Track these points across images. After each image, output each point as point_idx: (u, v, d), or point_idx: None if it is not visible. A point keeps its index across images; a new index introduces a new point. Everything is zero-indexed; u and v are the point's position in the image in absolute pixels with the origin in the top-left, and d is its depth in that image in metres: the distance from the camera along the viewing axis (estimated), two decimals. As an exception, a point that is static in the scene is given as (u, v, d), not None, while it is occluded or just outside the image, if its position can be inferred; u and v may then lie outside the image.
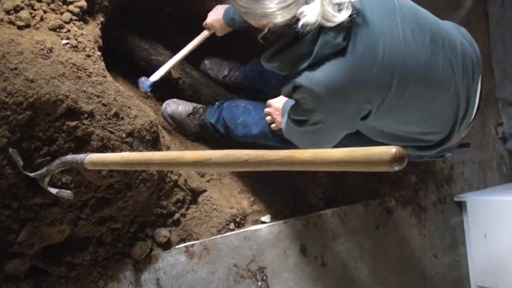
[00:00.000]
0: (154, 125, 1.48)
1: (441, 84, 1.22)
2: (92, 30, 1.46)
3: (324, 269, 1.87)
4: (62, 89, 1.21)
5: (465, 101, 1.30)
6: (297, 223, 1.83)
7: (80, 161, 1.11)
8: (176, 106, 1.83)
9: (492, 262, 2.24)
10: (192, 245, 1.59)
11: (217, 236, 1.65)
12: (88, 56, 1.37)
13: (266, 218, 1.79)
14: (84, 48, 1.37)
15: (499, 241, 2.21)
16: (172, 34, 1.93)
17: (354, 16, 1.07)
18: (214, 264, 1.62)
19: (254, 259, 1.71)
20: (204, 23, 1.71)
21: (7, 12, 1.27)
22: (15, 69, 1.16)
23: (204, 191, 1.70)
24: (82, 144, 1.27)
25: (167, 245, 1.56)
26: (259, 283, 1.70)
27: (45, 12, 1.34)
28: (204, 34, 1.72)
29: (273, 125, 1.54)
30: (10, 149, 1.15)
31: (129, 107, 1.40)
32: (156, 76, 1.69)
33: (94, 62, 1.37)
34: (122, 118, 1.36)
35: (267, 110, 1.54)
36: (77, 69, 1.30)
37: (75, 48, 1.35)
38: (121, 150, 1.34)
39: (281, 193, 1.90)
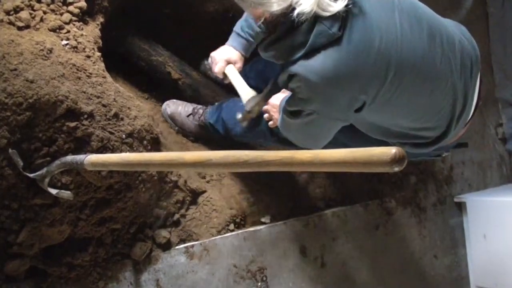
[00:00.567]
0: (153, 126, 1.48)
1: (438, 79, 1.22)
2: (92, 31, 1.46)
3: (324, 270, 1.87)
4: (62, 89, 1.21)
5: (462, 97, 1.30)
6: (297, 223, 1.82)
7: (80, 161, 1.11)
8: (176, 107, 1.83)
9: (492, 262, 2.24)
10: (192, 246, 1.59)
11: (217, 237, 1.65)
12: (88, 56, 1.37)
13: (266, 218, 1.79)
14: (84, 48, 1.37)
15: (498, 242, 2.21)
16: (172, 35, 1.93)
17: (350, 6, 1.07)
18: (214, 265, 1.62)
19: (254, 259, 1.70)
20: (218, 66, 1.58)
21: (7, 13, 1.27)
22: (15, 69, 1.16)
23: (204, 191, 1.70)
24: (82, 144, 1.27)
25: (167, 246, 1.56)
26: (259, 284, 1.70)
27: (45, 12, 1.34)
28: (231, 67, 1.59)
29: (270, 123, 1.54)
30: (10, 150, 1.16)
31: (129, 108, 1.40)
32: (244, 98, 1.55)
33: (94, 62, 1.37)
34: (122, 119, 1.36)
35: (265, 107, 1.54)
36: (77, 69, 1.30)
37: (75, 49, 1.35)
38: (121, 151, 1.34)
39: (281, 193, 1.90)
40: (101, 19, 1.53)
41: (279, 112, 1.42)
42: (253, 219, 1.78)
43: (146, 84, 1.88)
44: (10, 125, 1.15)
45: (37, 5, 1.33)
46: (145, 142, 1.44)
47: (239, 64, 1.62)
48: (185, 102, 1.84)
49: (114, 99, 1.35)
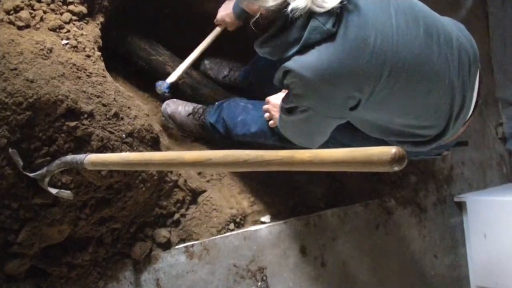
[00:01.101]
0: (153, 125, 1.48)
1: (435, 77, 1.21)
2: (92, 30, 1.46)
3: (324, 269, 1.87)
4: (62, 89, 1.22)
5: (460, 96, 1.29)
6: (297, 223, 1.82)
7: (80, 161, 1.11)
8: (176, 106, 1.83)
9: (492, 262, 2.24)
10: (192, 246, 1.59)
11: (217, 237, 1.65)
12: (88, 56, 1.37)
13: (266, 218, 1.79)
14: (84, 48, 1.37)
15: (499, 241, 2.21)
16: (172, 34, 1.93)
17: (345, 2, 1.08)
18: (214, 265, 1.62)
19: (254, 259, 1.70)
20: (215, 20, 1.71)
21: (7, 12, 1.27)
22: (15, 69, 1.16)
23: (204, 191, 1.70)
24: (82, 144, 1.27)
25: (167, 246, 1.56)
26: (259, 283, 1.70)
27: (45, 12, 1.35)
28: (216, 31, 1.73)
29: (271, 122, 1.54)
30: (10, 150, 1.16)
31: (129, 108, 1.40)
32: (172, 77, 1.72)
33: (94, 62, 1.37)
34: (122, 119, 1.36)
35: (265, 106, 1.54)
36: (77, 69, 1.30)
37: (75, 49, 1.35)
38: (121, 151, 1.34)
39: (281, 193, 1.90)
40: (101, 19, 1.53)
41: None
42: (253, 219, 1.78)
43: (146, 84, 1.88)
44: (10, 125, 1.15)
45: (37, 5, 1.33)
46: (145, 141, 1.44)
47: (231, 27, 1.71)
48: (185, 102, 1.84)
49: (114, 98, 1.35)
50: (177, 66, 1.83)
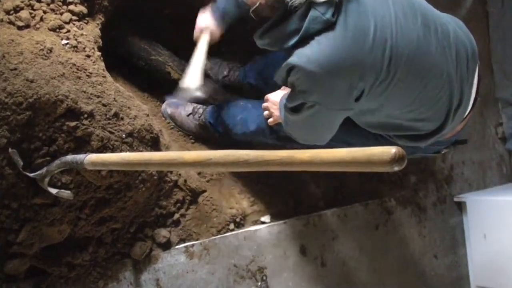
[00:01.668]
0: (153, 125, 1.48)
1: (434, 69, 1.22)
2: (92, 30, 1.46)
3: (324, 269, 1.87)
4: (62, 89, 1.22)
5: (458, 90, 1.30)
6: (297, 223, 1.82)
7: (80, 161, 1.11)
8: (176, 106, 1.83)
9: (492, 262, 2.24)
10: (192, 245, 1.59)
11: (217, 236, 1.65)
12: (88, 56, 1.37)
13: (266, 218, 1.79)
14: (84, 48, 1.37)
15: (499, 241, 2.21)
16: (172, 35, 1.93)
17: None
18: (214, 265, 1.62)
19: (254, 259, 1.70)
20: (194, 33, 1.60)
21: (7, 12, 1.27)
22: (15, 69, 1.16)
23: (204, 191, 1.70)
24: (82, 144, 1.27)
25: (167, 246, 1.56)
26: (259, 283, 1.70)
27: (45, 12, 1.34)
28: (205, 38, 1.59)
29: (270, 120, 1.53)
30: (10, 150, 1.16)
31: (129, 108, 1.40)
32: (187, 83, 1.55)
33: (94, 62, 1.37)
34: (122, 119, 1.36)
35: (264, 104, 1.54)
36: (77, 69, 1.30)
37: (75, 48, 1.35)
38: (121, 151, 1.34)
39: (281, 193, 1.90)
40: (101, 19, 1.53)
41: (280, 110, 1.42)
42: (253, 219, 1.78)
43: (146, 84, 1.88)
44: (10, 125, 1.15)
45: (37, 5, 1.33)
46: (145, 141, 1.44)
47: (216, 34, 1.60)
48: (185, 102, 1.84)
49: (114, 98, 1.35)
50: (177, 66, 1.83)
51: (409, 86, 1.21)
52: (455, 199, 2.39)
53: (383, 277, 2.06)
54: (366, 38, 1.10)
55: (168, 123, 1.85)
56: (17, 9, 1.28)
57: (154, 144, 1.50)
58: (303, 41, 1.12)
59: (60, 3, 1.38)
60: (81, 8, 1.43)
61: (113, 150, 1.32)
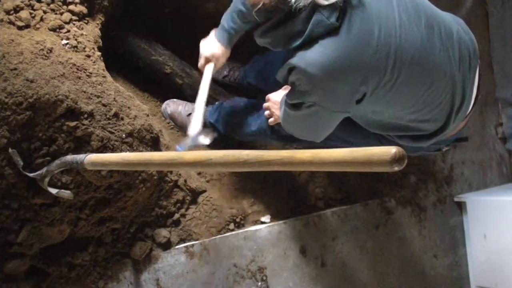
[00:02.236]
0: (153, 125, 1.48)
1: (437, 70, 1.22)
2: (92, 30, 1.46)
3: (324, 269, 1.87)
4: (62, 89, 1.22)
5: (461, 89, 1.30)
6: (297, 223, 1.82)
7: (80, 161, 1.11)
8: (176, 106, 1.83)
9: (492, 262, 2.24)
10: (192, 245, 1.59)
11: (217, 236, 1.65)
12: (88, 56, 1.37)
13: (266, 218, 1.79)
14: (84, 48, 1.37)
15: (499, 241, 2.21)
16: (172, 34, 1.93)
17: None
18: (214, 265, 1.62)
19: (254, 259, 1.70)
20: (200, 63, 1.58)
21: (7, 12, 1.27)
22: (15, 69, 1.16)
23: (204, 191, 1.70)
24: (82, 144, 1.27)
25: (167, 246, 1.56)
26: (259, 283, 1.70)
27: (45, 12, 1.35)
28: (211, 68, 1.57)
29: (270, 120, 1.53)
30: (10, 150, 1.16)
31: (129, 108, 1.40)
32: (196, 126, 1.51)
33: (94, 62, 1.37)
34: (122, 119, 1.36)
35: (265, 104, 1.54)
36: (77, 69, 1.30)
37: (75, 48, 1.35)
38: (121, 150, 1.34)
39: (281, 193, 1.90)
40: (101, 19, 1.53)
41: (281, 107, 1.42)
42: (253, 219, 1.78)
43: (146, 84, 1.88)
44: (10, 125, 1.15)
45: (37, 5, 1.33)
46: (145, 141, 1.44)
47: (223, 59, 1.59)
48: (185, 102, 1.84)
49: (114, 98, 1.35)
50: (177, 66, 1.83)
51: (412, 88, 1.21)
52: (455, 199, 2.39)
53: (383, 277, 2.06)
54: (370, 42, 1.10)
55: (168, 123, 1.85)
56: (17, 9, 1.28)
57: (154, 144, 1.50)
58: (306, 44, 1.11)
59: (60, 3, 1.38)
60: (81, 8, 1.43)
61: (113, 150, 1.32)
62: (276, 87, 1.50)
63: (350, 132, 1.41)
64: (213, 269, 1.62)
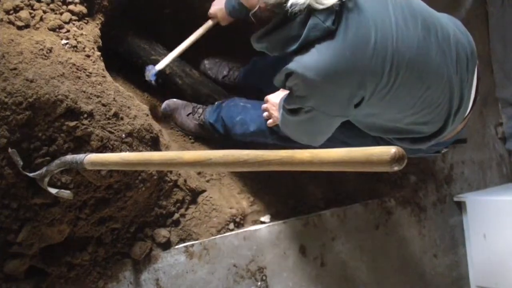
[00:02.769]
0: (153, 125, 1.48)
1: (434, 72, 1.22)
2: (91, 30, 1.46)
3: (324, 269, 1.87)
4: (61, 89, 1.22)
5: (458, 92, 1.29)
6: (297, 223, 1.82)
7: (80, 161, 1.11)
8: (176, 106, 1.83)
9: (492, 262, 2.24)
10: (192, 245, 1.59)
11: (216, 236, 1.65)
12: (88, 56, 1.37)
13: (265, 218, 1.79)
14: (83, 48, 1.37)
15: (498, 241, 2.21)
16: (172, 34, 1.93)
17: (344, 0, 1.07)
18: (213, 264, 1.62)
19: (254, 259, 1.70)
20: (208, 12, 1.71)
21: (7, 12, 1.27)
22: (15, 69, 1.16)
23: (204, 191, 1.70)
24: (82, 144, 1.27)
25: (166, 245, 1.56)
26: (259, 283, 1.70)
27: (44, 12, 1.35)
28: (208, 24, 1.73)
29: (269, 121, 1.53)
30: (10, 149, 1.16)
31: (128, 107, 1.40)
32: (161, 65, 1.71)
33: (93, 62, 1.37)
34: (122, 118, 1.36)
35: (264, 106, 1.54)
36: (77, 69, 1.30)
37: (75, 48, 1.35)
38: (121, 150, 1.34)
39: (281, 193, 1.90)
40: (101, 19, 1.53)
41: (279, 110, 1.42)
42: (253, 219, 1.78)
43: (146, 84, 1.87)
44: (10, 125, 1.15)
45: (36, 5, 1.33)
46: (144, 141, 1.44)
47: (223, 22, 1.70)
48: (185, 102, 1.84)
49: (114, 98, 1.35)
50: (177, 66, 1.83)
51: (410, 91, 1.21)
52: (455, 199, 2.39)
53: (383, 277, 2.06)
54: (367, 46, 1.10)
55: (168, 122, 1.85)
56: (17, 9, 1.28)
57: (154, 144, 1.50)
58: (303, 48, 1.11)
59: (59, 3, 1.38)
60: (80, 8, 1.43)
61: (113, 150, 1.32)
62: (276, 87, 1.50)
63: (348, 134, 1.42)
64: (213, 269, 1.62)
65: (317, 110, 1.19)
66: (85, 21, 1.45)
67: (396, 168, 0.64)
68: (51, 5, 1.36)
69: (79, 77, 1.29)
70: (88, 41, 1.41)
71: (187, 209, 1.64)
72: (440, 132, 1.34)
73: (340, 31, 1.09)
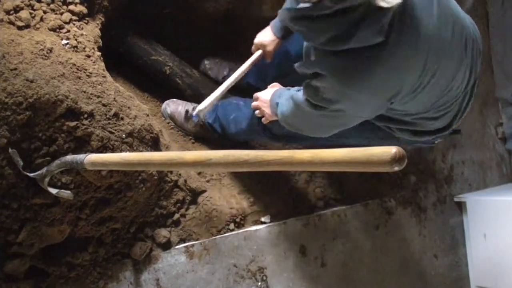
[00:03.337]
0: (153, 125, 1.48)
1: (458, 75, 1.20)
2: (92, 30, 1.46)
3: (324, 269, 1.87)
4: (61, 89, 1.22)
5: (470, 90, 1.29)
6: (297, 223, 1.82)
7: (80, 161, 1.11)
8: (176, 106, 1.83)
9: (492, 262, 2.24)
10: (192, 245, 1.59)
11: (216, 237, 1.65)
12: (88, 56, 1.37)
13: (266, 218, 1.79)
14: (84, 48, 1.37)
15: (499, 241, 2.21)
16: (172, 34, 1.93)
17: (401, 7, 0.96)
18: (213, 265, 1.62)
19: (254, 259, 1.70)
20: (253, 46, 1.60)
21: (7, 12, 1.27)
22: (15, 69, 1.16)
23: (204, 191, 1.70)
24: (82, 144, 1.27)
25: (167, 246, 1.56)
26: (259, 283, 1.70)
27: (45, 12, 1.34)
28: (257, 54, 1.60)
29: (263, 119, 1.50)
30: (10, 150, 1.16)
31: (129, 108, 1.40)
32: (203, 104, 1.51)
33: (94, 62, 1.37)
34: (122, 119, 1.36)
35: (254, 103, 1.49)
36: (77, 69, 1.30)
37: (75, 49, 1.35)
38: (121, 150, 1.34)
39: (281, 193, 1.90)
40: (101, 19, 1.53)
41: (271, 107, 1.39)
42: (253, 219, 1.78)
43: (146, 84, 1.88)
44: (10, 125, 1.15)
45: (37, 5, 1.33)
46: (145, 141, 1.44)
47: (270, 47, 1.56)
48: (185, 102, 1.84)
49: (114, 98, 1.35)
50: (177, 66, 1.83)
51: (434, 94, 1.19)
52: (455, 199, 2.39)
53: (383, 277, 2.06)
54: (416, 63, 1.04)
55: (168, 123, 1.85)
56: (17, 9, 1.28)
57: (154, 144, 1.50)
58: (347, 52, 1.00)
59: (60, 3, 1.38)
60: (81, 8, 1.43)
61: (113, 150, 1.32)
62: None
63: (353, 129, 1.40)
64: (213, 269, 1.62)
65: (344, 112, 1.13)
66: (85, 21, 1.45)
67: (396, 168, 0.64)
68: (52, 5, 1.36)
69: (79, 77, 1.29)
70: (88, 41, 1.41)
71: (187, 209, 1.64)
72: (446, 128, 1.34)
73: (391, 43, 0.98)
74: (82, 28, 1.42)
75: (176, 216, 1.61)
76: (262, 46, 1.57)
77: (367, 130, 1.41)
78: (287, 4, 1.34)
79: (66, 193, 1.22)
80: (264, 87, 1.78)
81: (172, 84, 1.85)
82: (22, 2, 1.30)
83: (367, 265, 2.01)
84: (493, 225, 2.23)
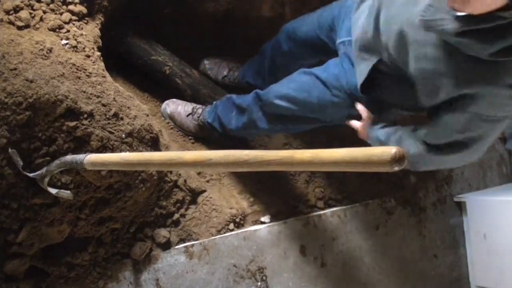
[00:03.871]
0: (153, 125, 1.48)
1: None
2: (91, 30, 1.46)
3: (324, 269, 1.87)
4: (61, 89, 1.21)
5: None
6: (297, 223, 1.82)
7: (80, 161, 1.11)
8: (176, 106, 1.83)
9: (491, 262, 2.24)
10: (192, 246, 1.59)
11: (216, 237, 1.65)
12: (88, 56, 1.37)
13: (265, 218, 1.79)
14: (83, 48, 1.37)
15: (498, 241, 2.21)
16: (172, 34, 1.93)
17: None
18: (213, 265, 1.62)
19: (254, 259, 1.70)
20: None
21: (7, 12, 1.27)
22: (15, 69, 1.16)
23: (204, 191, 1.70)
24: (82, 144, 1.27)
25: (166, 246, 1.56)
26: (259, 284, 1.70)
27: (44, 12, 1.34)
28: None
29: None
30: (10, 150, 1.16)
31: (128, 108, 1.40)
32: None
33: (93, 62, 1.37)
34: (122, 119, 1.36)
35: (361, 135, 1.44)
36: (77, 69, 1.30)
37: (75, 49, 1.35)
38: (121, 150, 1.34)
39: (281, 193, 1.90)
40: (101, 19, 1.53)
41: (370, 138, 1.38)
42: (253, 219, 1.78)
43: (146, 84, 1.88)
44: (10, 125, 1.15)
45: (37, 5, 1.33)
46: (144, 141, 1.44)
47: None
48: (185, 102, 1.84)
49: (114, 98, 1.35)
50: (176, 66, 1.83)
51: None
52: (455, 199, 2.39)
53: (383, 277, 2.06)
54: None
55: (168, 123, 1.85)
56: (17, 9, 1.28)
57: (154, 144, 1.50)
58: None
59: (59, 3, 1.38)
60: (80, 8, 1.43)
61: (113, 150, 1.32)
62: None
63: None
64: (213, 269, 1.62)
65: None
66: (85, 21, 1.45)
67: (396, 168, 0.64)
68: (51, 5, 1.36)
69: (79, 77, 1.29)
70: (88, 41, 1.40)
71: (187, 209, 1.64)
72: None
73: None
74: (82, 28, 1.42)
75: (176, 216, 1.61)
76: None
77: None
78: (433, 16, 1.04)
79: (66, 193, 1.22)
80: (263, 85, 1.78)
81: (172, 84, 1.85)
82: (22, 2, 1.30)
83: (367, 265, 2.01)
84: (493, 225, 2.23)
